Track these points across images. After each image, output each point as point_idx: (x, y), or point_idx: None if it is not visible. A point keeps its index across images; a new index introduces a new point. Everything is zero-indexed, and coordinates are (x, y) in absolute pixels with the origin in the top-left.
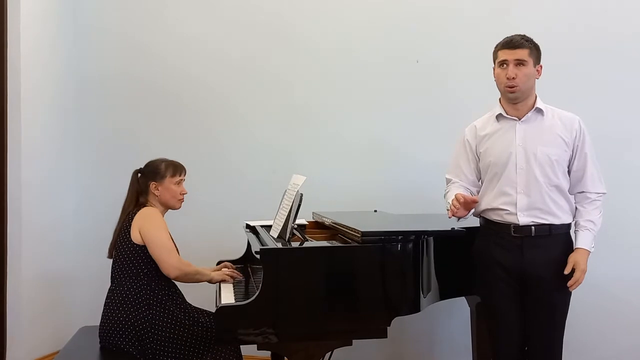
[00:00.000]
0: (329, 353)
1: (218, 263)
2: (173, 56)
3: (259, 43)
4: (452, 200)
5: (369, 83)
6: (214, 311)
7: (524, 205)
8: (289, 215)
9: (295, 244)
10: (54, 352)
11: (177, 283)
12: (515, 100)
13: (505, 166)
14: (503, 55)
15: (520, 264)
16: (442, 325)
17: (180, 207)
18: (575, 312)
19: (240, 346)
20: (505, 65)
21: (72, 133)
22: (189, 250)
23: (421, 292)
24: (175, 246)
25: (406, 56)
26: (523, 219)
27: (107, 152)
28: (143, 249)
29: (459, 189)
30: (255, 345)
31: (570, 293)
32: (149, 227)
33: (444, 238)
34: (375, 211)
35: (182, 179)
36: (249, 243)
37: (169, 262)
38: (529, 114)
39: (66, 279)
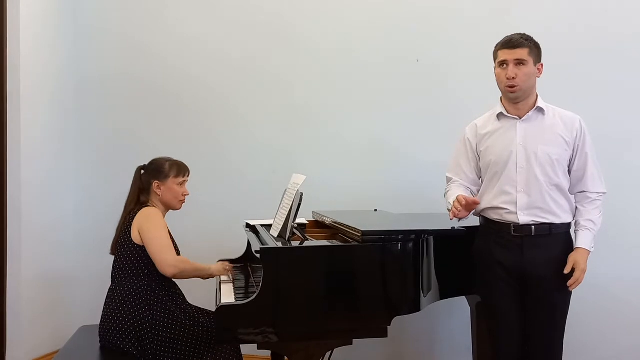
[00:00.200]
0: (329, 352)
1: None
2: (173, 56)
3: (259, 43)
4: (454, 202)
5: (369, 83)
6: (214, 311)
7: (524, 205)
8: (289, 215)
9: (295, 243)
10: (54, 352)
11: (177, 283)
12: (516, 99)
13: (506, 165)
14: (503, 55)
15: (520, 264)
16: (442, 324)
17: (180, 208)
18: (575, 312)
19: (241, 346)
20: (505, 65)
21: (71, 133)
22: (189, 250)
23: (421, 292)
24: (176, 246)
25: (406, 56)
26: (523, 218)
27: (107, 152)
28: (143, 249)
29: (459, 188)
30: (256, 345)
31: (570, 293)
32: (148, 227)
33: (444, 237)
34: (376, 211)
35: (185, 180)
36: (249, 242)
37: (165, 260)
38: (530, 113)
39: (66, 279)
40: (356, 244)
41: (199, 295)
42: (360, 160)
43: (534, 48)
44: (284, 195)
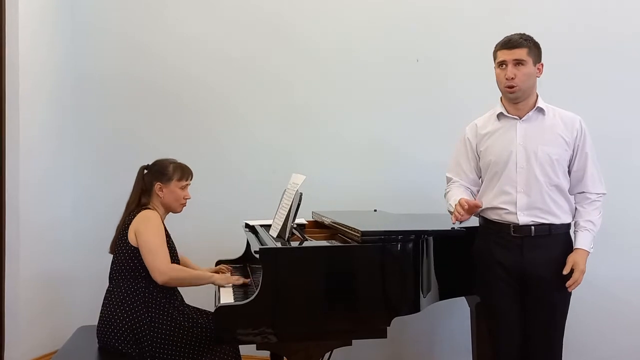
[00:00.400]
0: (329, 353)
1: (217, 263)
2: (173, 56)
3: (259, 43)
4: (456, 206)
5: (369, 83)
6: (212, 311)
7: (523, 205)
8: (288, 215)
9: (294, 244)
10: (52, 352)
11: None
12: (516, 100)
13: (506, 165)
14: (502, 55)
15: (520, 264)
16: (442, 325)
17: (181, 211)
18: (575, 312)
19: (239, 346)
20: (504, 65)
21: (70, 131)
22: (189, 250)
23: (421, 292)
24: (175, 250)
25: (406, 56)
26: (523, 219)
27: (106, 151)
28: (139, 251)
29: (460, 189)
30: (254, 345)
31: (570, 293)
32: (143, 230)
33: (443, 238)
34: (375, 211)
35: (188, 184)
36: (248, 243)
37: (155, 266)
38: (530, 113)
39: (64, 279)
40: (355, 244)
41: (198, 295)
42: (360, 160)
43: (534, 48)
44: (283, 195)
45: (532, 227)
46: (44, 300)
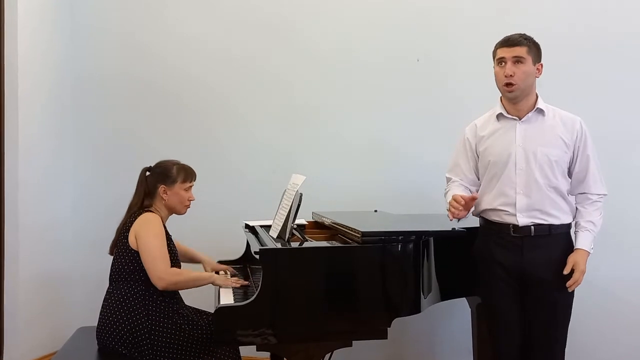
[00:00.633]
0: (329, 354)
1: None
2: (173, 56)
3: (259, 43)
4: (451, 202)
5: (369, 83)
6: (212, 312)
7: (523, 206)
8: (288, 215)
9: (294, 244)
10: (51, 353)
11: None
12: (515, 99)
13: (505, 166)
14: (501, 53)
15: (520, 264)
16: (442, 326)
17: (185, 213)
18: (576, 313)
19: (240, 347)
20: (503, 63)
21: (69, 131)
22: None
23: (422, 293)
24: (176, 252)
25: (406, 56)
26: (522, 220)
27: (106, 151)
28: (139, 254)
29: (459, 188)
30: (255, 347)
31: (572, 293)
32: (143, 234)
33: (444, 238)
34: (376, 211)
35: (192, 185)
36: (248, 243)
37: (154, 272)
38: (530, 114)
39: (64, 279)
40: (356, 244)
41: (197, 295)
42: (360, 160)
43: (533, 47)
44: (283, 195)
45: (532, 227)
46: (43, 300)
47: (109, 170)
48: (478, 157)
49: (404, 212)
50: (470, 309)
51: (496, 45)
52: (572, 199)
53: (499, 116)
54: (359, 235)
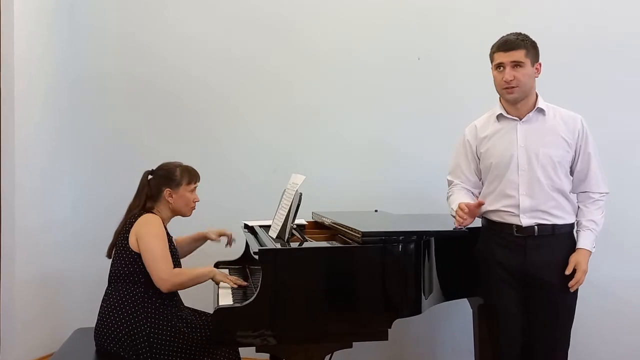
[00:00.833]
0: (329, 355)
1: (216, 264)
2: (172, 56)
3: (259, 43)
4: (457, 211)
5: (369, 82)
6: (211, 313)
7: (526, 208)
8: (288, 215)
9: (294, 245)
10: (49, 355)
11: None
12: (515, 101)
13: (507, 168)
14: (499, 58)
15: (522, 264)
16: (443, 327)
17: (190, 214)
18: (576, 313)
19: (239, 348)
20: (501, 68)
21: (66, 133)
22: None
23: (422, 294)
24: (177, 253)
25: (406, 56)
26: (525, 221)
27: (104, 151)
28: (140, 256)
29: (461, 192)
30: (254, 347)
31: (576, 294)
32: (145, 236)
33: (445, 238)
34: (376, 211)
35: (196, 186)
36: (247, 243)
37: (158, 275)
38: (530, 114)
39: (61, 280)
40: (356, 245)
41: (196, 295)
42: (360, 160)
43: (531, 48)
44: (283, 195)
45: (536, 227)
46: (40, 302)
47: (107, 171)
48: (479, 158)
49: (404, 212)
50: (471, 310)
51: (492, 48)
52: (574, 197)
53: (499, 117)
54: (359, 236)
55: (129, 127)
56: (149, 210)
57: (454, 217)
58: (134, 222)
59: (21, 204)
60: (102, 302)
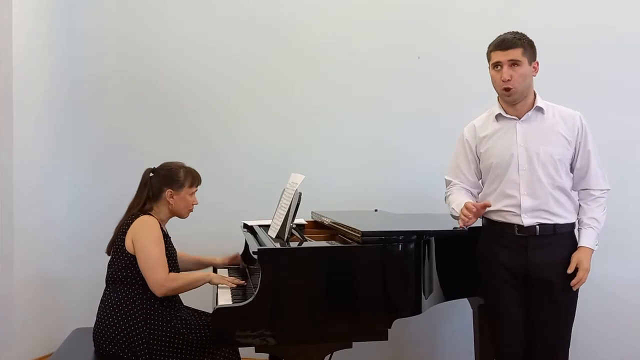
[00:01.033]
0: (329, 355)
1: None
2: (172, 55)
3: (259, 43)
4: (462, 210)
5: (369, 82)
6: (211, 312)
7: (528, 207)
8: (287, 215)
9: (294, 244)
10: (47, 355)
11: None
12: (514, 101)
13: (508, 167)
14: (496, 57)
15: (524, 264)
16: (443, 327)
17: (187, 216)
18: (577, 312)
19: (239, 348)
20: (499, 67)
21: (65, 132)
22: (187, 251)
23: (422, 294)
24: (175, 254)
25: (406, 56)
26: (527, 221)
27: (103, 151)
28: (136, 258)
29: (461, 192)
30: (254, 348)
31: (576, 293)
32: (141, 239)
33: (445, 238)
34: (376, 211)
35: (197, 190)
36: (246, 243)
37: (153, 280)
38: (529, 113)
39: (60, 280)
40: (356, 244)
41: (195, 296)
42: (360, 160)
43: (528, 47)
44: (282, 195)
45: (537, 227)
46: (38, 301)
47: (106, 171)
48: (479, 158)
49: (404, 212)
50: (471, 310)
51: (489, 47)
52: (575, 195)
53: (498, 116)
54: (359, 235)
55: (128, 127)
56: (147, 211)
57: (454, 216)
58: (131, 223)
59: (20, 203)
60: (100, 303)
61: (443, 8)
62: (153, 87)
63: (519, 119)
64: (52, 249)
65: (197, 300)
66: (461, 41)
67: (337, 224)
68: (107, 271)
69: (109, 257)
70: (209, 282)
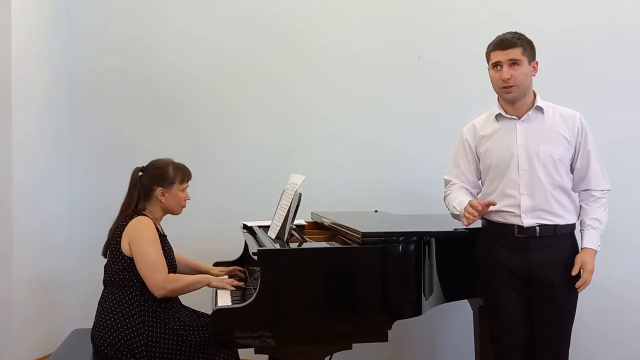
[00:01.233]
0: (329, 357)
1: (215, 265)
2: (172, 55)
3: (259, 43)
4: (467, 207)
5: (369, 82)
6: (210, 313)
7: (528, 207)
8: (287, 216)
9: (293, 245)
10: (46, 356)
11: None
12: (513, 100)
13: (507, 167)
14: (495, 56)
15: (525, 265)
16: (444, 328)
17: (181, 212)
18: (577, 313)
19: (238, 349)
20: (498, 66)
21: (64, 131)
22: (186, 252)
23: (423, 295)
24: (172, 254)
25: (406, 56)
26: (527, 221)
27: (103, 151)
28: (133, 261)
29: (461, 191)
30: (253, 349)
31: (576, 293)
32: (137, 241)
33: (446, 239)
34: (376, 211)
35: (188, 185)
36: (246, 244)
37: (152, 280)
38: (529, 112)
39: (58, 280)
40: (356, 245)
41: (195, 295)
42: (361, 161)
43: (527, 46)
44: (282, 195)
45: (537, 227)
46: (37, 302)
47: (106, 170)
48: (479, 158)
49: (404, 212)
50: (471, 311)
51: (489, 47)
52: (576, 196)
53: (498, 116)
54: (359, 236)
55: (127, 126)
56: (141, 212)
57: (454, 216)
58: (126, 224)
59: (18, 203)
60: (98, 305)
61: (443, 8)
62: (152, 87)
63: (519, 118)
64: (51, 249)
65: (196, 301)
66: (461, 41)
67: (337, 224)
68: (105, 274)
69: (105, 260)
70: (207, 285)
